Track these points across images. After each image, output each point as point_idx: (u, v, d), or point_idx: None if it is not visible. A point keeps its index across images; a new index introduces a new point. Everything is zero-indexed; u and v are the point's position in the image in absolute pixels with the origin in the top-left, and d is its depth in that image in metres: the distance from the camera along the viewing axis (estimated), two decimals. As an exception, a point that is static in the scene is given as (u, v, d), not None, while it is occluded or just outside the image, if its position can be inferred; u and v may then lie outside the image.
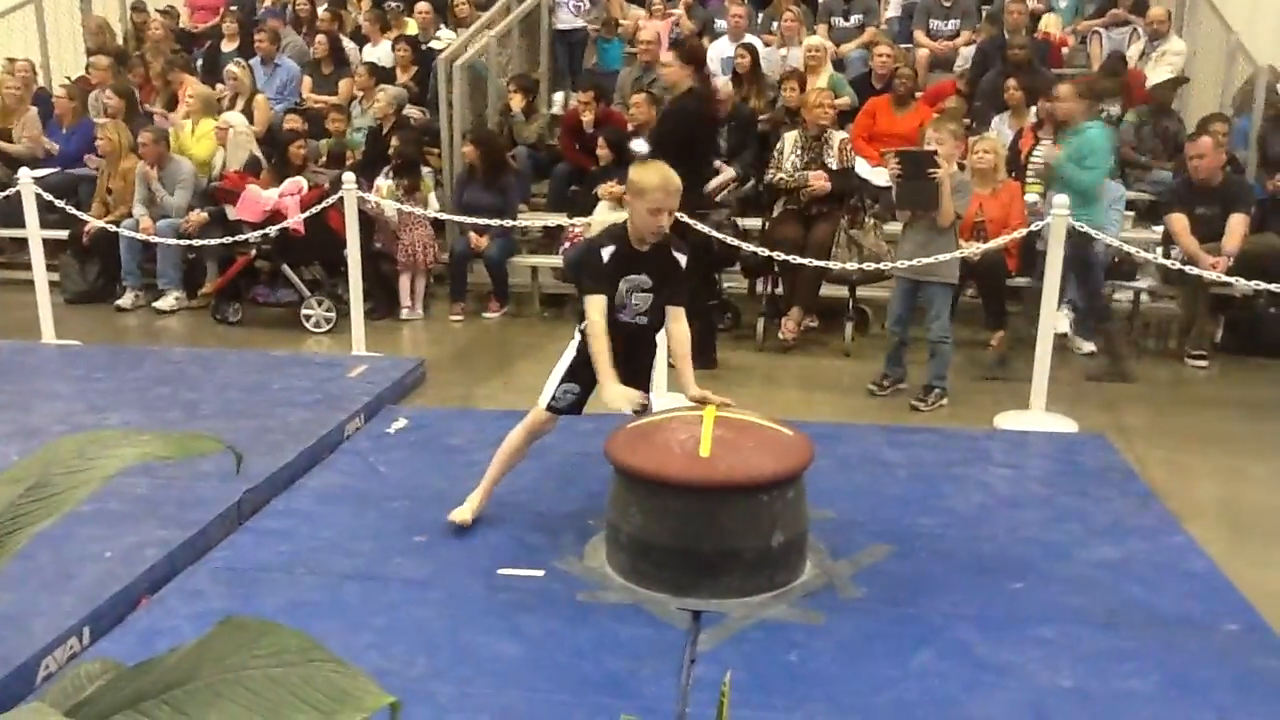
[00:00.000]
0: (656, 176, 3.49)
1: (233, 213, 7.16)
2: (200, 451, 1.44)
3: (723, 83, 8.01)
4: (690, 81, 5.82)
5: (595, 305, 3.50)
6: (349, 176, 6.24)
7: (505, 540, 3.66)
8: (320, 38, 9.23)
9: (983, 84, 8.27)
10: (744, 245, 6.30)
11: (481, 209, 7.16)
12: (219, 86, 9.09)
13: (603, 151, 7.35)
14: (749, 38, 8.73)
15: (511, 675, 2.89)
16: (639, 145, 6.68)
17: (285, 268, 7.11)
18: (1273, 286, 5.40)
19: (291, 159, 7.48)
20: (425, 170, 7.77)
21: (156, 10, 10.77)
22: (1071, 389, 5.74)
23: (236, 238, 6.85)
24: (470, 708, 2.74)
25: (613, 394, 3.42)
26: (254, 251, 7.09)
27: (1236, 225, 6.28)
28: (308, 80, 9.34)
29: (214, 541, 3.67)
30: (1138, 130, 7.68)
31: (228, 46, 9.95)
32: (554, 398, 3.71)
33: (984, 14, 9.32)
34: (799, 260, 5.90)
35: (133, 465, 1.42)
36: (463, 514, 3.74)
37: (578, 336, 3.65)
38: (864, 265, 6.12)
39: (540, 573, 3.43)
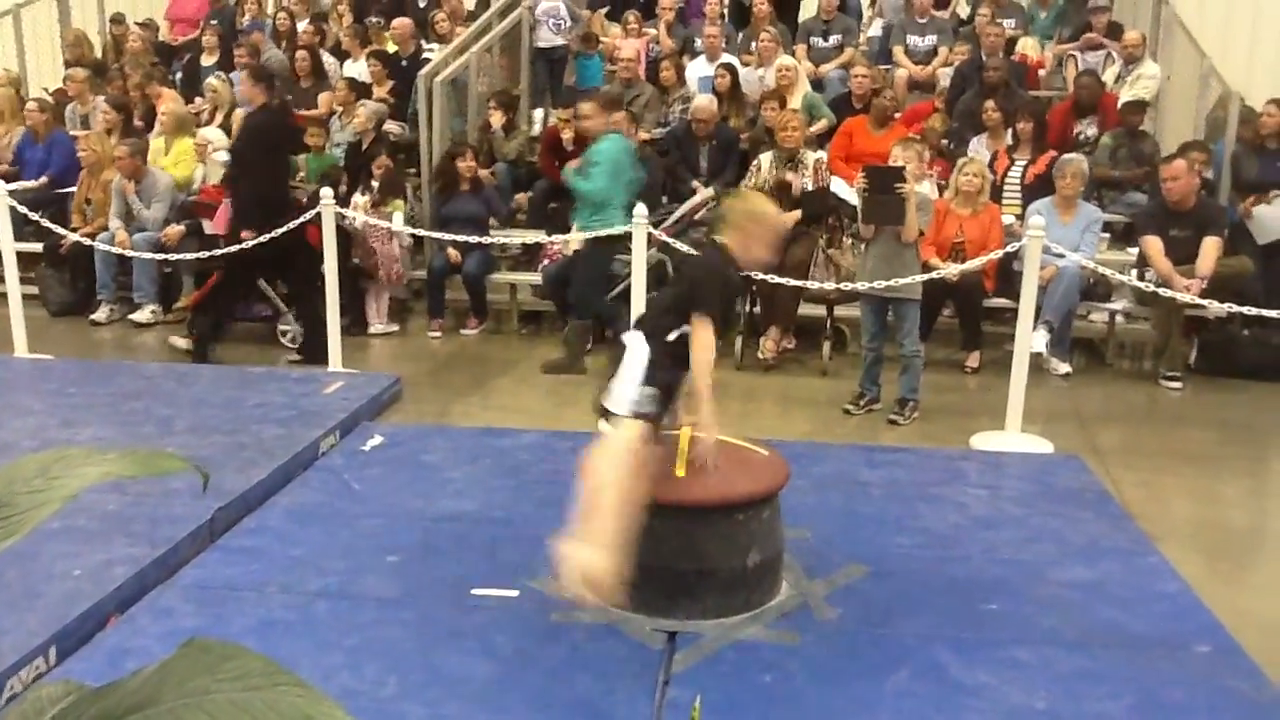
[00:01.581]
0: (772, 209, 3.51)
1: (209, 227, 7.12)
2: (165, 470, 1.43)
3: (706, 100, 8.04)
4: (263, 98, 6.55)
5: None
6: (326, 192, 6.22)
7: (478, 560, 3.64)
8: (301, 53, 9.21)
9: (960, 105, 8.33)
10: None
11: (462, 222, 7.15)
12: (198, 100, 9.06)
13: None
14: (727, 57, 8.78)
15: (484, 696, 2.87)
16: (220, 155, 7.33)
17: (261, 282, 7.07)
18: (1246, 309, 5.45)
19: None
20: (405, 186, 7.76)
21: (135, 23, 10.74)
22: (1047, 409, 5.77)
23: (213, 252, 6.81)
24: (441, 729, 2.72)
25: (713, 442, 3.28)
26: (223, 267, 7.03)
27: (1210, 248, 6.34)
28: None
29: (185, 559, 3.64)
30: (1113, 153, 7.75)
31: (207, 60, 9.92)
32: (636, 403, 3.20)
33: (959, 34, 9.40)
34: (776, 280, 5.92)
35: (96, 484, 1.40)
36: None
37: (644, 343, 3.32)
38: (841, 285, 6.14)
39: (514, 593, 3.41)
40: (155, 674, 1.22)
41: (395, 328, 7.50)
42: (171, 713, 1.14)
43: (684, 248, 6.19)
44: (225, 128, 8.54)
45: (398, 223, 7.25)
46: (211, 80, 8.93)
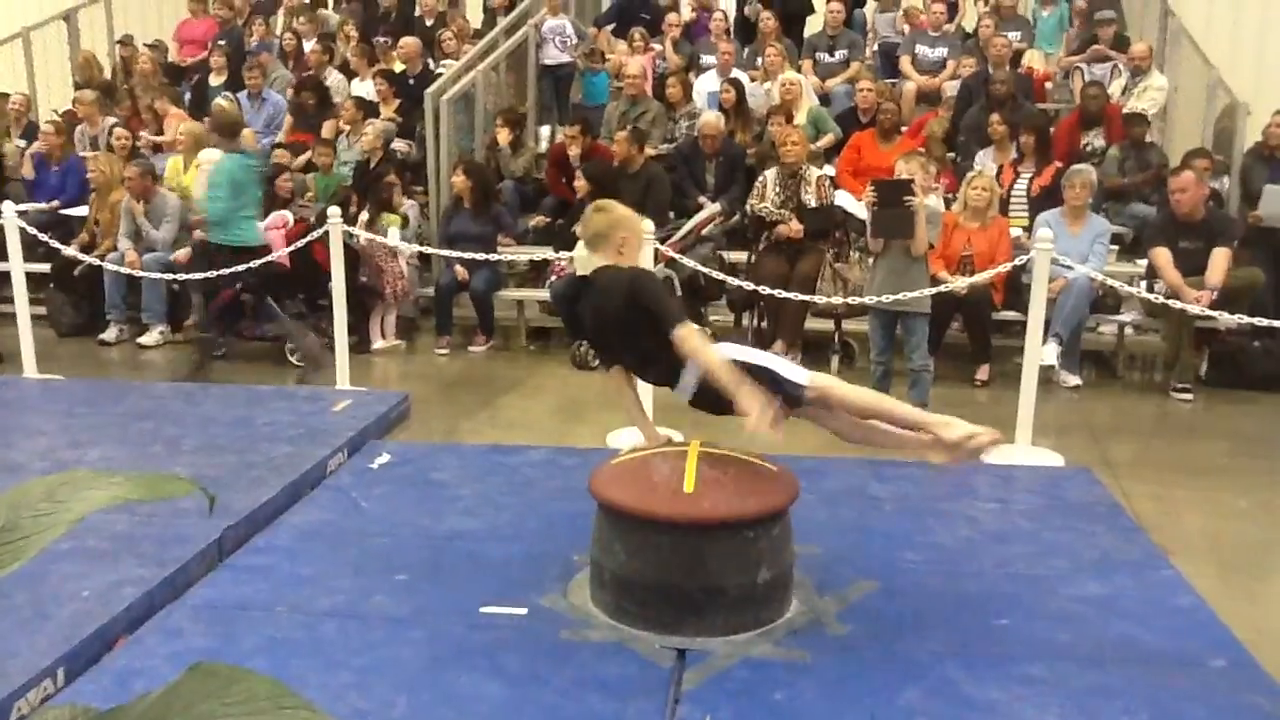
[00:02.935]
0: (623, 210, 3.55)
1: (218, 246, 7.13)
2: (172, 493, 1.42)
3: (715, 117, 8.06)
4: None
5: None
6: (334, 210, 6.24)
7: (487, 578, 3.62)
8: (305, 92, 9.22)
9: (966, 119, 8.34)
10: (729, 279, 6.32)
11: (469, 240, 7.17)
12: (206, 120, 9.09)
13: (580, 184, 7.37)
14: (734, 73, 8.80)
15: (493, 716, 2.85)
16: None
17: (270, 301, 7.08)
18: (1256, 320, 5.43)
19: (278, 192, 7.47)
20: (409, 203, 7.78)
21: (144, 44, 10.80)
22: (1058, 422, 5.75)
23: (221, 271, 6.82)
24: (451, 749, 2.70)
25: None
26: (239, 285, 7.05)
27: (1219, 259, 6.32)
28: (288, 120, 9.35)
29: (194, 579, 3.62)
30: (1121, 164, 7.74)
31: (215, 80, 9.99)
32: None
33: (965, 46, 9.42)
34: (784, 294, 5.92)
35: (103, 508, 1.39)
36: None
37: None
38: (849, 299, 6.14)
39: (523, 611, 3.40)
40: (161, 698, 1.21)
41: (401, 344, 7.50)
42: (178, 738, 1.13)
43: (690, 263, 6.20)
44: (234, 147, 8.59)
45: (393, 237, 7.24)
46: (219, 101, 8.96)
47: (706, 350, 3.26)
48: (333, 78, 9.72)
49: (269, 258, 6.84)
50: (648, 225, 5.67)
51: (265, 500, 4.22)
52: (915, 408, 3.46)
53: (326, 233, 6.21)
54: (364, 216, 7.32)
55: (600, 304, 3.42)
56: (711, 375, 3.22)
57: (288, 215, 7.24)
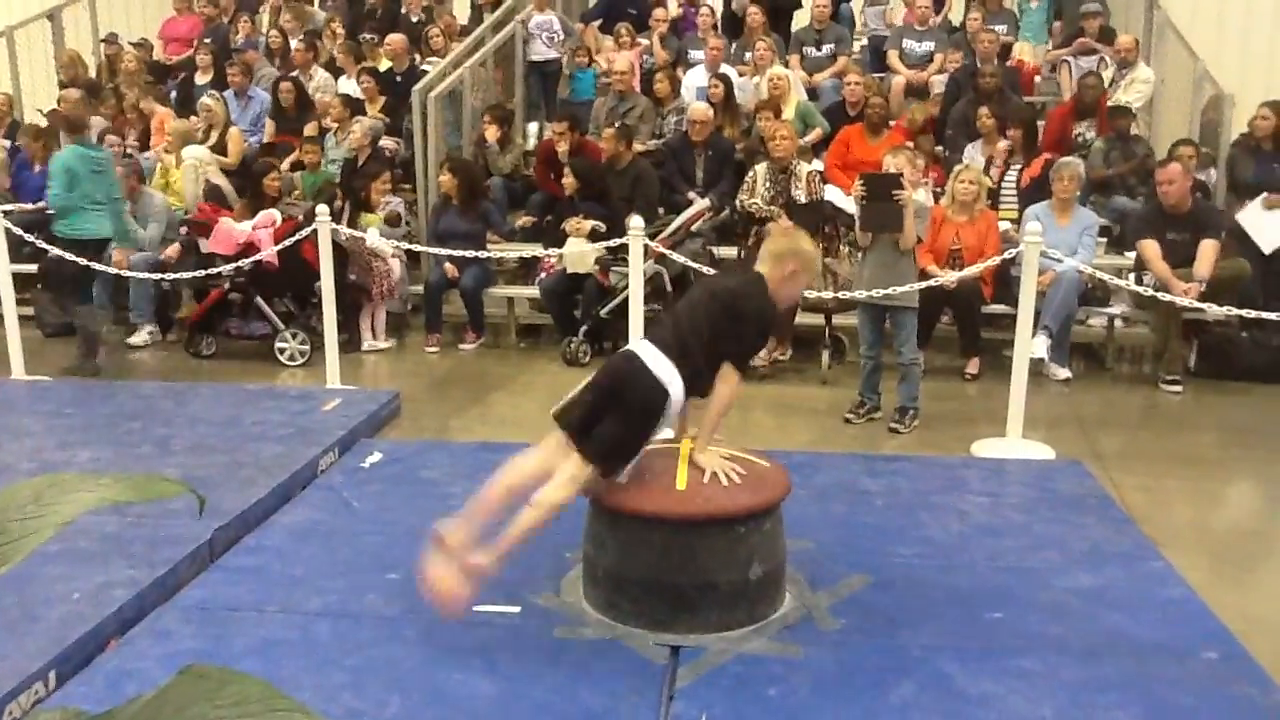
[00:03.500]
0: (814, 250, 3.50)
1: (205, 245, 7.12)
2: (160, 495, 1.41)
3: (703, 105, 8.05)
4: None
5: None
6: (322, 209, 6.22)
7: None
8: (286, 85, 9.18)
9: (954, 112, 8.35)
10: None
11: (457, 238, 7.16)
12: (193, 118, 9.05)
13: (567, 181, 7.35)
14: (722, 68, 8.79)
15: (487, 714, 2.84)
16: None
17: (259, 300, 7.07)
18: (1244, 311, 5.45)
19: (266, 191, 7.45)
20: (396, 200, 7.76)
21: (129, 43, 10.75)
22: (1048, 415, 5.76)
23: (210, 270, 6.81)
24: (445, 748, 2.69)
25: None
26: (227, 284, 7.04)
27: (1207, 250, 6.34)
28: (270, 124, 9.29)
29: (184, 580, 3.61)
30: (1106, 155, 7.76)
31: (201, 79, 9.93)
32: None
33: (952, 40, 9.42)
34: (774, 289, 5.91)
35: (91, 510, 1.38)
36: None
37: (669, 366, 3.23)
38: (839, 293, 6.14)
39: (516, 609, 3.39)
40: (152, 701, 1.20)
41: (391, 343, 7.48)
42: (169, 742, 1.12)
43: (680, 259, 6.19)
44: (220, 146, 8.56)
45: (372, 236, 7.21)
46: (205, 99, 8.94)
47: (727, 400, 3.29)
48: (319, 76, 9.67)
49: (258, 256, 6.82)
50: (638, 222, 5.68)
51: (256, 500, 4.21)
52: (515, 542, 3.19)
53: (315, 231, 6.19)
54: (348, 215, 7.29)
55: (714, 290, 3.38)
56: (720, 410, 3.29)
57: (276, 214, 7.20)
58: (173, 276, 7.31)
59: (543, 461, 3.26)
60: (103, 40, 11.02)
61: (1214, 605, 3.44)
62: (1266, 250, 6.93)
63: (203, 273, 6.82)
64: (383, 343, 7.45)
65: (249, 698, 1.18)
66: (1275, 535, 4.59)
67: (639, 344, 3.36)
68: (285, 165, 8.30)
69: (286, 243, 6.74)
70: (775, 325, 3.42)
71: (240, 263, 6.88)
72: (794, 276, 3.39)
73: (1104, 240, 7.31)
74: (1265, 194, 7.07)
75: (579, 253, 6.89)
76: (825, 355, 6.59)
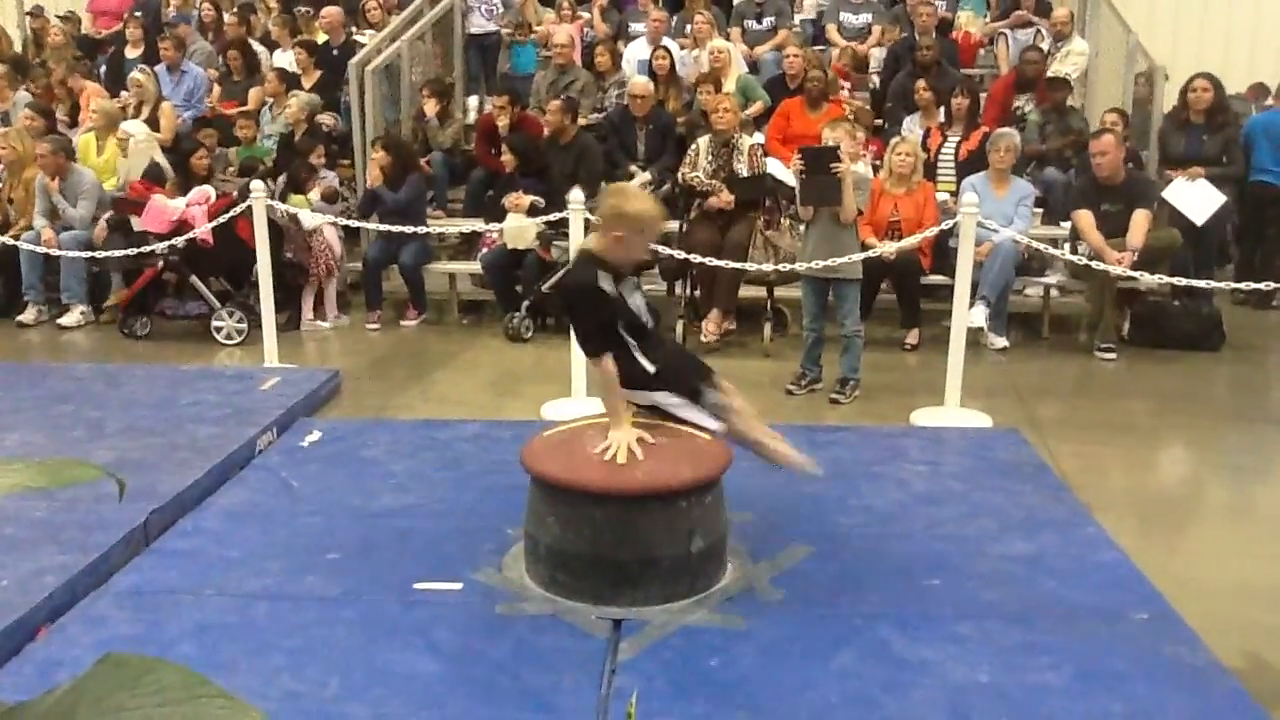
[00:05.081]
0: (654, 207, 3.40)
1: (138, 224, 6.97)
2: (77, 480, 1.38)
3: (643, 80, 8.01)
4: None
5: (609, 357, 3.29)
6: (257, 185, 6.11)
7: (421, 554, 3.59)
8: (233, 52, 9.00)
9: (893, 85, 8.39)
10: (661, 249, 6.29)
11: (391, 214, 7.07)
12: (123, 94, 8.84)
13: (506, 158, 7.30)
14: (665, 40, 8.75)
15: (428, 693, 2.83)
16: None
17: (194, 279, 6.94)
18: (1176, 280, 5.55)
19: (194, 170, 7.31)
20: (330, 175, 7.64)
21: (56, 16, 10.46)
22: (986, 384, 5.83)
23: (143, 249, 6.66)
24: (386, 728, 2.68)
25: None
26: (161, 263, 6.90)
27: (1140, 221, 6.44)
28: (216, 89, 9.13)
29: (118, 566, 3.54)
30: (1041, 128, 7.84)
31: (132, 53, 9.70)
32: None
33: (891, 13, 9.46)
34: (716, 263, 5.92)
35: (10, 495, 1.35)
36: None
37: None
38: (780, 266, 6.16)
39: (457, 586, 3.37)
40: (69, 692, 1.17)
41: (345, 320, 7.39)
42: (87, 731, 1.10)
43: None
44: (151, 121, 8.37)
45: (304, 215, 7.10)
46: (136, 74, 8.73)
47: (600, 383, 3.38)
48: (257, 51, 9.48)
49: (192, 234, 6.69)
50: (578, 196, 5.64)
51: (191, 482, 4.13)
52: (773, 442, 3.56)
53: (249, 208, 6.08)
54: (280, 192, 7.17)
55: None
56: (604, 400, 3.37)
57: (210, 191, 7.07)
58: (104, 255, 7.15)
59: None
60: (28, 13, 10.72)
61: (1145, 568, 3.51)
62: (1199, 221, 7.06)
63: (135, 251, 6.68)
64: (328, 322, 7.34)
65: (170, 685, 1.15)
66: (1204, 500, 4.70)
67: None
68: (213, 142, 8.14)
69: (221, 220, 6.61)
70: (607, 305, 3.25)
71: (174, 241, 6.74)
72: (624, 241, 3.24)
73: (1040, 211, 7.40)
74: (1190, 169, 7.20)
75: (518, 228, 6.84)
76: (767, 328, 6.61)
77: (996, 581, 3.42)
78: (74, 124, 8.79)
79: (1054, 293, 7.09)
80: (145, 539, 3.74)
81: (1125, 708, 2.75)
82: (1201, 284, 5.53)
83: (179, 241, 6.73)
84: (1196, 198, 7.10)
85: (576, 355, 5.39)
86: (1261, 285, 5.72)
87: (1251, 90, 9.71)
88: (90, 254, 7.16)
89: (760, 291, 6.70)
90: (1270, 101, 9.04)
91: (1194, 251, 6.98)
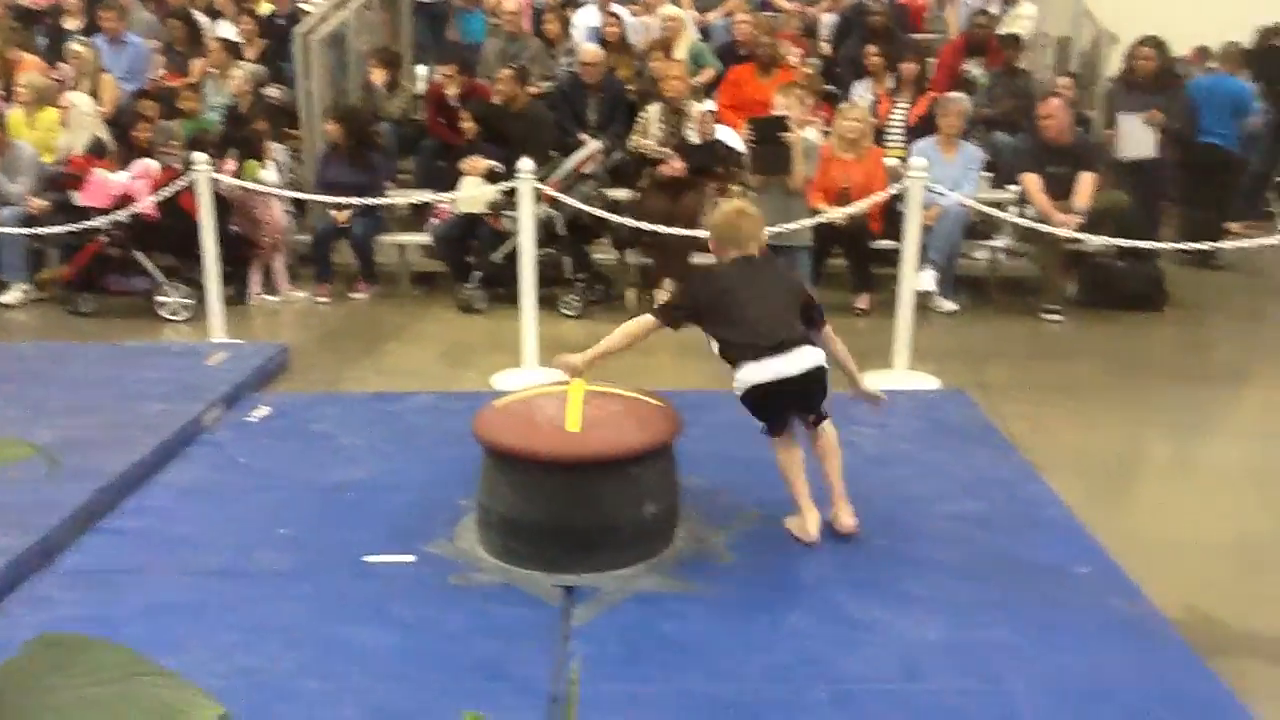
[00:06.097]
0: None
1: (79, 198, 6.83)
2: (11, 458, 1.35)
3: (593, 47, 7.95)
4: None
5: None
6: (200, 157, 6.01)
7: (373, 526, 3.58)
8: (174, 21, 8.81)
9: (843, 51, 8.39)
10: (613, 217, 6.27)
11: (346, 187, 6.98)
12: (61, 66, 8.64)
13: (467, 125, 7.24)
14: (614, 6, 8.68)
15: (383, 665, 2.83)
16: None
17: (138, 254, 6.82)
18: (1121, 241, 5.62)
19: (137, 143, 7.17)
20: (279, 147, 7.53)
21: (-11, -15, 10.17)
22: (934, 347, 5.89)
23: (85, 224, 6.54)
24: (341, 702, 2.67)
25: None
26: (104, 238, 6.78)
27: (1086, 183, 6.52)
28: (159, 60, 8.94)
29: (62, 545, 3.49)
30: (990, 91, 7.88)
31: (71, 24, 9.47)
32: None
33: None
34: (668, 231, 5.91)
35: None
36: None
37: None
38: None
39: (410, 558, 3.37)
40: (1, 673, 1.16)
41: (297, 294, 7.29)
42: (18, 714, 1.08)
43: (572, 202, 6.14)
44: (92, 94, 8.18)
45: (266, 174, 6.99)
46: (75, 45, 8.52)
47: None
48: (197, 19, 9.29)
49: (135, 208, 6.57)
50: (528, 165, 5.60)
51: (138, 460, 4.08)
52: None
53: (194, 181, 5.97)
54: (231, 165, 7.04)
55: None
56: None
57: (153, 164, 6.94)
58: (45, 231, 7.00)
59: None
60: (-41, -17, 10.41)
61: (1089, 524, 3.57)
62: (1123, 155, 7.14)
63: (78, 227, 6.55)
64: (278, 296, 7.24)
65: (105, 665, 1.14)
66: (1146, 456, 4.79)
67: None
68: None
69: (165, 193, 6.49)
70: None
71: (117, 215, 6.62)
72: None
73: (989, 175, 7.45)
74: (1153, 110, 7.25)
75: (473, 194, 6.78)
76: (720, 295, 6.61)
77: (946, 540, 3.47)
78: (9, 98, 8.57)
79: (1001, 256, 7.16)
80: (90, 518, 3.69)
81: (1070, 660, 2.81)
82: (1145, 245, 5.61)
83: (122, 216, 6.61)
84: (1136, 137, 7.20)
85: (528, 325, 5.38)
86: (1203, 245, 5.83)
87: (1195, 54, 9.81)
88: (31, 231, 7.01)
89: (713, 259, 6.69)
90: (1213, 65, 9.14)
91: (1139, 212, 7.06)
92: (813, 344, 3.43)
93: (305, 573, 3.30)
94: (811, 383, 3.40)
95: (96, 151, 7.34)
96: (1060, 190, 6.52)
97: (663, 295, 6.59)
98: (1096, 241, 5.89)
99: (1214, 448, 4.83)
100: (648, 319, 3.52)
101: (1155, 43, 7.58)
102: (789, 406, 3.47)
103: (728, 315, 3.46)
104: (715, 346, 3.53)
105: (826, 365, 3.42)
